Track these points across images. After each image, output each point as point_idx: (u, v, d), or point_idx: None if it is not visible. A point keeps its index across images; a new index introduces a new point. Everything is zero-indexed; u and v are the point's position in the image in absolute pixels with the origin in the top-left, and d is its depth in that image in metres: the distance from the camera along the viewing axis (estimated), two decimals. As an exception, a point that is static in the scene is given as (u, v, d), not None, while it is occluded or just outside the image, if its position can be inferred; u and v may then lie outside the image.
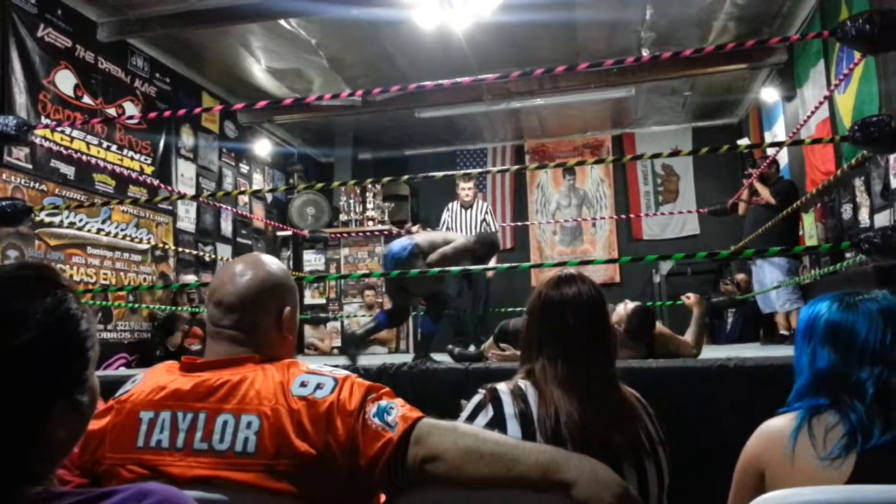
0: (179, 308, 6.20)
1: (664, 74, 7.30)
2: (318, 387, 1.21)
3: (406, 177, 3.69)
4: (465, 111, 8.47)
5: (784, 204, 5.37)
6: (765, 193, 5.71)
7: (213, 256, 7.22)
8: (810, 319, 1.32)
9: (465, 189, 5.91)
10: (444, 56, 6.70)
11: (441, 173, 3.68)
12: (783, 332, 5.72)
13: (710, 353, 3.60)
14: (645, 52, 6.68)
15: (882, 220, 4.97)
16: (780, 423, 1.27)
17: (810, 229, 6.83)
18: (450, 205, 6.02)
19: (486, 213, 6.03)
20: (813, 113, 4.52)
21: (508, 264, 3.70)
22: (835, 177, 4.71)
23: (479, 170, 10.09)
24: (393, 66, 7.06)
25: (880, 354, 1.22)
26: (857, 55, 3.48)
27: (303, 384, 1.21)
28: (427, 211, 10.05)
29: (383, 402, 1.21)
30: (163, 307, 6.09)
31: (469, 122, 9.13)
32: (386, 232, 8.48)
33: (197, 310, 6.16)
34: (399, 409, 1.20)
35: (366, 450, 1.16)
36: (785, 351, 3.10)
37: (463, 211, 5.90)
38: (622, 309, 3.20)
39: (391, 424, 1.17)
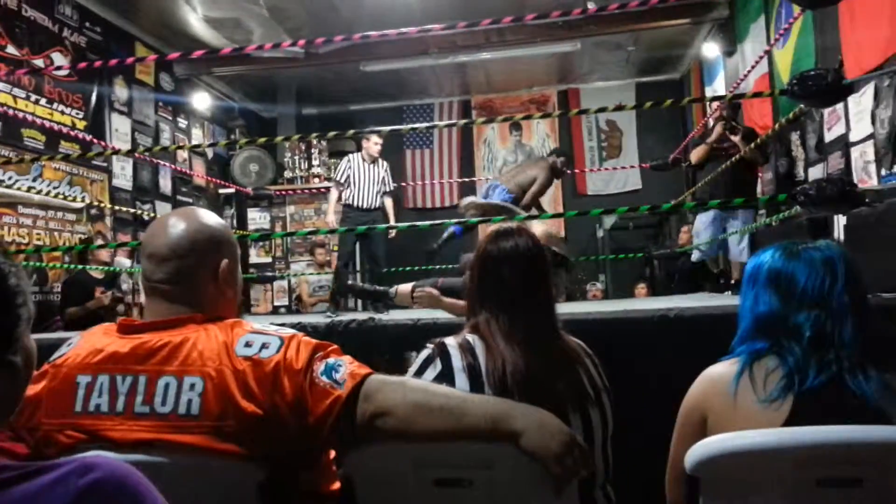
0: (89, 268, 5.47)
1: (609, 28, 7.31)
2: (264, 346, 1.19)
3: (352, 132, 3.62)
4: (412, 65, 8.33)
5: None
6: (741, 144, 5.10)
7: (153, 215, 7.01)
8: (755, 267, 1.37)
9: (377, 144, 5.75)
10: (389, 8, 6.55)
11: (388, 128, 3.63)
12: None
13: (654, 303, 3.69)
14: (591, 5, 6.66)
15: (816, 173, 5.14)
16: (722, 369, 1.32)
17: (748, 183, 7.01)
18: (351, 156, 5.81)
19: (387, 171, 5.90)
20: (753, 68, 4.61)
21: (456, 220, 3.70)
22: (773, 130, 4.83)
23: (427, 124, 10.00)
24: (337, 17, 6.86)
25: (818, 300, 1.27)
26: (797, 10, 3.54)
27: (247, 344, 1.19)
28: (373, 167, 9.95)
29: (331, 360, 1.20)
30: (98, 267, 5.91)
31: (415, 76, 9.00)
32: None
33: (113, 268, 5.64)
34: (347, 367, 1.20)
35: (314, 408, 1.15)
36: (723, 301, 3.21)
37: (367, 165, 5.72)
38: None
39: (339, 382, 1.17)
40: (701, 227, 5.31)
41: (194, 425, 1.14)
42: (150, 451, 1.13)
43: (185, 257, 1.28)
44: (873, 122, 4.16)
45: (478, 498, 1.18)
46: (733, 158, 4.47)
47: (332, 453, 1.35)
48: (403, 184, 9.45)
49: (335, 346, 1.25)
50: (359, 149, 5.97)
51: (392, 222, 5.84)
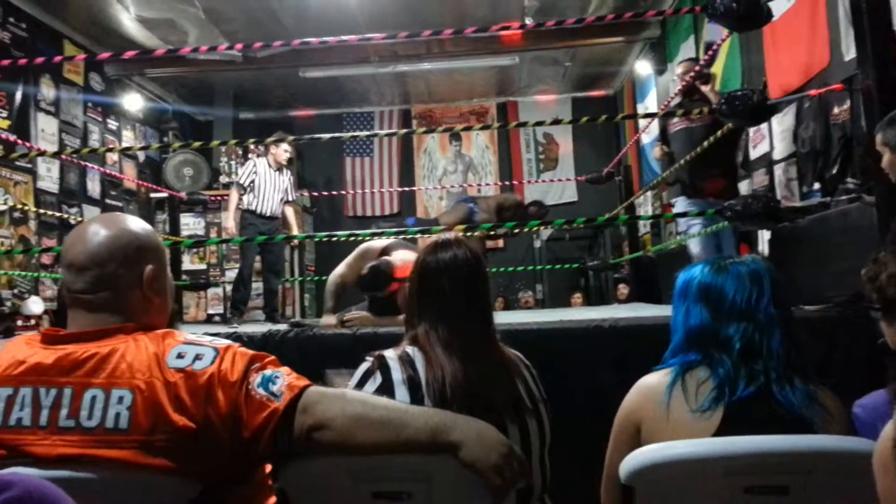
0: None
1: (547, 44, 7.47)
2: (197, 358, 1.16)
3: (291, 138, 3.58)
4: (352, 72, 8.29)
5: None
6: (710, 94, 4.40)
7: (80, 219, 6.75)
8: (685, 282, 1.42)
9: (286, 152, 5.53)
10: (331, 15, 6.51)
11: (328, 135, 3.60)
12: None
13: (589, 313, 3.76)
14: (529, 21, 6.79)
15: (743, 189, 5.35)
16: (655, 379, 1.36)
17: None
18: (257, 160, 5.52)
19: (291, 180, 5.75)
20: (682, 87, 4.76)
21: (395, 229, 3.69)
22: (702, 148, 5.00)
23: (367, 133, 9.96)
24: (277, 23, 6.78)
25: (746, 312, 1.33)
26: (724, 32, 3.69)
27: (180, 355, 1.16)
28: (313, 174, 9.83)
29: (268, 372, 1.18)
30: (22, 273, 5.64)
31: (356, 84, 8.96)
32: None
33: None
34: (285, 378, 1.18)
35: (250, 421, 1.13)
36: (656, 311, 3.29)
37: (272, 172, 5.45)
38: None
39: (276, 394, 1.15)
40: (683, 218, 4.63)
41: (122, 440, 1.10)
42: (75, 467, 1.08)
43: (105, 265, 1.23)
44: (795, 142, 4.36)
45: (416, 510, 1.18)
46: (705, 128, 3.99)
47: (268, 467, 1.32)
48: (343, 192, 9.39)
49: (272, 358, 1.23)
50: (266, 153, 5.69)
51: (294, 231, 5.69)
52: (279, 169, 5.46)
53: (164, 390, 1.12)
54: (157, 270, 1.30)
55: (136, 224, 1.31)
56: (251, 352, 1.21)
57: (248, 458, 1.16)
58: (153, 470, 1.10)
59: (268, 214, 5.37)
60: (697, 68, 4.31)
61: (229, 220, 5.35)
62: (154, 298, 1.29)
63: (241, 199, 5.33)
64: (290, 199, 5.65)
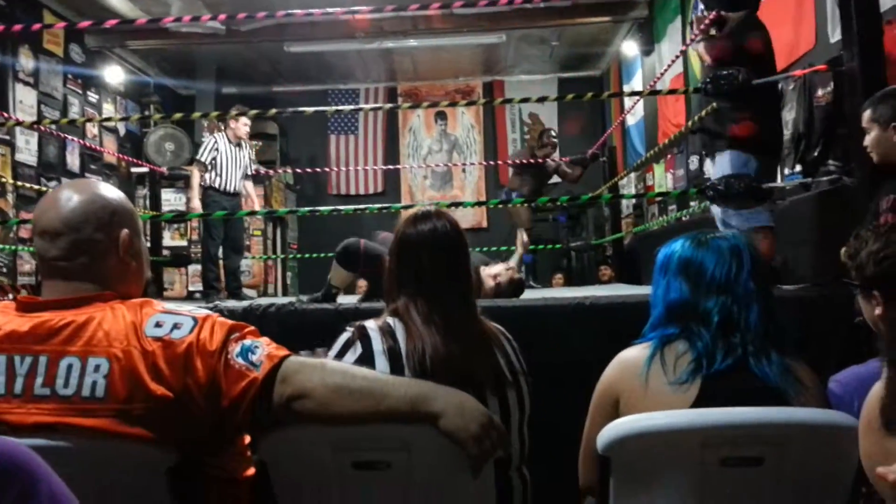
0: None
1: (534, 22, 7.43)
2: (176, 327, 1.15)
3: (273, 111, 3.54)
4: (338, 48, 8.21)
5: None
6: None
7: (91, 180, 6.65)
8: (666, 256, 1.42)
9: (245, 125, 5.33)
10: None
11: (311, 109, 3.56)
12: None
13: (570, 292, 3.79)
14: (517, -1, 6.74)
15: (709, 168, 5.37)
16: (634, 353, 1.37)
17: (660, 178, 7.29)
18: (217, 136, 5.33)
19: (251, 154, 5.62)
20: (669, 67, 4.77)
21: (379, 205, 3.68)
22: (685, 129, 5.02)
23: (353, 107, 9.87)
24: (260, -5, 6.67)
25: (725, 286, 1.34)
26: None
27: (158, 324, 1.15)
28: (297, 151, 9.75)
29: (247, 342, 1.17)
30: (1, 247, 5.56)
31: (341, 60, 8.87)
32: (252, 172, 8.14)
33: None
34: (265, 348, 1.17)
35: (229, 390, 1.13)
36: (636, 290, 3.32)
37: (232, 147, 5.28)
38: (504, 270, 3.27)
39: (256, 364, 1.15)
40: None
41: (99, 408, 1.09)
42: (52, 434, 1.07)
43: (80, 230, 1.21)
44: (778, 124, 4.37)
45: (396, 480, 1.19)
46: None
47: (247, 438, 1.32)
48: (327, 169, 9.33)
49: (252, 328, 1.22)
50: (225, 128, 5.51)
51: (256, 206, 5.62)
52: (238, 144, 5.34)
53: (142, 359, 1.11)
54: (132, 235, 1.29)
55: (107, 189, 1.30)
56: (231, 321, 1.21)
57: (227, 428, 1.16)
58: (129, 438, 1.09)
59: (231, 191, 5.26)
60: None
61: (194, 200, 5.18)
62: (130, 263, 1.28)
63: (202, 177, 5.21)
64: (250, 172, 5.54)
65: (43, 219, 1.23)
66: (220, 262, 5.32)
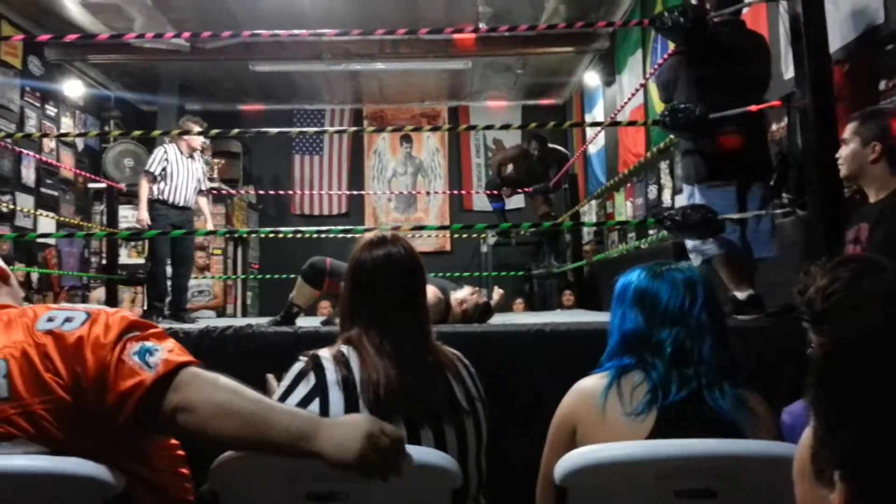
0: None
1: (499, 50, 7.56)
2: (67, 320, 1.15)
3: (237, 131, 3.52)
4: (304, 68, 8.20)
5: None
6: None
7: (12, 207, 6.48)
8: (623, 286, 1.44)
9: (200, 136, 5.01)
10: (281, 8, 6.43)
11: (276, 129, 3.54)
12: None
13: (531, 318, 3.81)
14: (482, 25, 6.84)
15: (681, 200, 5.49)
16: (592, 382, 1.38)
17: (620, 207, 7.41)
18: (167, 147, 4.97)
19: (204, 168, 5.33)
20: (630, 98, 4.87)
21: (342, 227, 3.66)
22: (644, 159, 5.13)
23: (317, 128, 9.86)
24: (226, 13, 6.65)
25: (679, 318, 1.36)
26: (672, 46, 3.77)
27: (49, 319, 1.16)
28: (260, 170, 9.67)
29: (148, 343, 1.15)
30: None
31: (307, 80, 8.87)
32: (214, 191, 8.03)
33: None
34: (164, 352, 1.14)
35: (115, 386, 1.10)
36: (598, 318, 3.35)
37: (184, 158, 4.98)
38: (469, 295, 3.27)
39: (150, 365, 1.12)
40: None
41: (6, 407, 1.09)
42: None
43: None
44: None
45: (352, 511, 1.17)
46: None
47: (180, 452, 1.31)
48: (290, 192, 9.26)
49: (158, 330, 1.20)
50: (177, 139, 5.10)
51: (209, 223, 5.35)
52: (191, 156, 5.03)
53: (36, 353, 1.12)
54: None
55: None
56: (133, 318, 1.19)
57: (115, 428, 1.11)
58: (35, 438, 1.08)
59: (181, 204, 4.93)
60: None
61: (143, 213, 4.83)
62: (8, 278, 1.33)
63: (151, 189, 4.88)
64: (203, 188, 5.23)
65: None
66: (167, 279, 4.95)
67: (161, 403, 1.10)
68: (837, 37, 3.19)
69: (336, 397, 1.34)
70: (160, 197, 4.89)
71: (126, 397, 1.10)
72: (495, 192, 7.21)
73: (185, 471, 1.30)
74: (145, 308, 5.10)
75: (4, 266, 1.35)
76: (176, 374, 1.12)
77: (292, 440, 1.09)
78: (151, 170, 4.89)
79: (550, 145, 6.88)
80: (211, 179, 8.21)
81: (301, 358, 1.42)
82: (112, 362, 1.11)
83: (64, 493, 1.09)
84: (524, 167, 6.91)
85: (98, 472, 1.09)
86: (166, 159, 4.91)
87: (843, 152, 2.20)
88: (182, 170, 4.96)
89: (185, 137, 4.92)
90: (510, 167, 6.88)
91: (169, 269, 4.97)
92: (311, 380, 1.36)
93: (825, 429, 0.55)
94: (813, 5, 2.47)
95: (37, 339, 1.13)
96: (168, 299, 4.91)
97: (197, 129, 4.84)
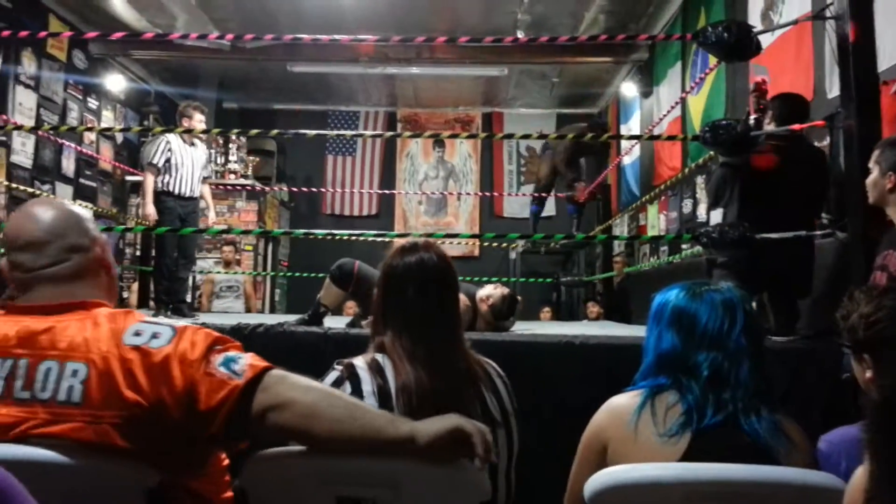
0: None
1: (537, 59, 7.54)
2: (154, 336, 1.16)
3: (275, 132, 3.55)
4: (340, 71, 8.27)
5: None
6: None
7: (52, 196, 6.62)
8: (660, 305, 1.42)
9: (201, 122, 4.76)
10: (322, 10, 6.49)
11: (312, 132, 3.57)
12: None
13: (560, 328, 3.78)
14: (520, 34, 6.83)
15: (716, 217, 5.41)
16: (625, 400, 1.36)
17: (653, 219, 7.34)
18: (170, 137, 4.71)
19: (206, 155, 5.06)
20: (669, 111, 4.83)
21: (374, 232, 3.68)
22: (681, 173, 5.08)
23: (353, 132, 9.93)
24: (267, 14, 6.73)
25: (717, 341, 1.33)
26: (713, 61, 3.73)
27: (137, 333, 1.16)
28: (294, 169, 9.77)
29: (231, 353, 1.17)
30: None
31: (343, 82, 8.94)
32: (248, 187, 8.12)
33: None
34: (248, 359, 1.17)
35: (207, 398, 1.12)
36: (628, 331, 3.32)
37: (187, 147, 4.73)
38: (493, 290, 3.26)
39: (238, 373, 1.14)
40: None
41: (75, 413, 1.10)
42: (27, 441, 1.08)
43: (65, 236, 1.27)
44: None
45: (380, 517, 1.17)
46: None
47: (226, 461, 1.31)
48: (323, 189, 9.33)
49: (237, 343, 1.22)
50: (178, 126, 4.80)
51: (212, 211, 5.15)
52: (193, 143, 4.79)
53: (119, 366, 1.12)
54: (105, 244, 1.34)
55: (71, 205, 1.40)
56: (215, 333, 1.21)
57: (201, 441, 1.15)
58: (101, 446, 1.09)
59: (186, 195, 4.72)
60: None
61: (149, 207, 4.62)
62: (111, 265, 1.34)
63: (156, 181, 4.65)
64: (207, 174, 5.00)
65: (24, 233, 1.27)
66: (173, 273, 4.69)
67: (251, 406, 1.13)
68: (886, 55, 3.13)
69: (372, 407, 1.34)
70: (164, 188, 4.67)
71: (219, 406, 1.12)
72: (543, 194, 7.11)
73: (226, 477, 1.32)
74: (154, 304, 4.91)
75: (108, 259, 1.34)
76: (263, 377, 1.15)
77: (381, 428, 1.12)
78: (155, 161, 4.65)
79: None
80: (244, 177, 8.34)
81: (336, 367, 1.43)
82: (200, 377, 1.13)
83: (97, 486, 1.10)
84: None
85: (131, 468, 1.11)
86: (169, 149, 4.67)
87: (868, 179, 2.18)
88: (186, 159, 4.71)
89: (186, 125, 4.67)
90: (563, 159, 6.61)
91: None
92: (347, 389, 1.37)
93: (885, 474, 0.53)
94: (862, 24, 2.42)
95: (123, 353, 1.13)
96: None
97: (198, 115, 4.68)
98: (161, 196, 4.65)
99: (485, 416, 1.39)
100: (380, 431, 1.12)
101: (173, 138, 4.68)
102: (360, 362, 1.42)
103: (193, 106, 4.79)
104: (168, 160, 4.64)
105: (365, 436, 1.12)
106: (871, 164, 2.17)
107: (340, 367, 1.42)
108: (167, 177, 4.66)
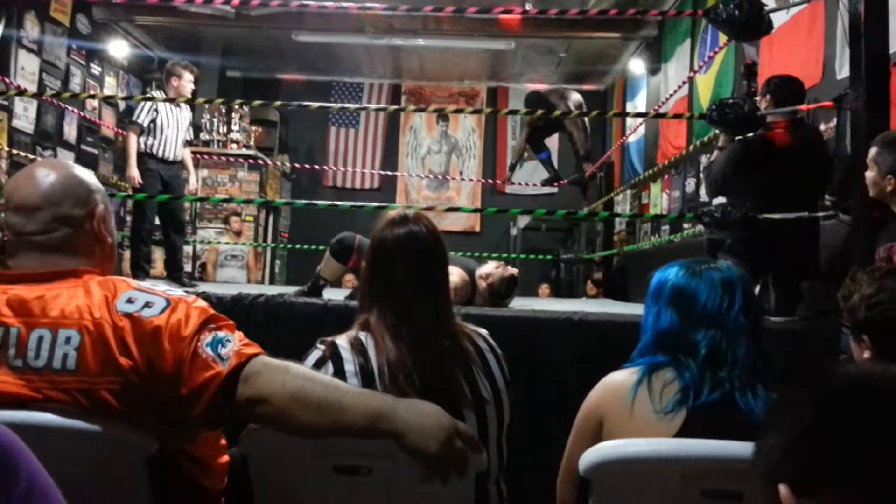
0: None
1: (545, 33, 7.46)
2: (147, 305, 1.15)
3: (279, 103, 3.52)
4: (346, 41, 8.20)
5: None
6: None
7: (62, 160, 6.59)
8: (659, 283, 1.41)
9: (190, 83, 4.56)
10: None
11: (317, 104, 3.55)
12: None
13: (559, 305, 3.78)
14: (528, 7, 6.75)
15: (719, 197, 5.40)
16: (622, 377, 1.36)
17: (655, 198, 7.32)
18: (155, 94, 4.59)
19: (191, 118, 4.81)
20: (677, 90, 4.79)
21: (376, 204, 3.67)
22: (685, 151, 5.05)
23: (356, 105, 9.86)
24: (272, -19, 6.66)
25: (715, 319, 1.33)
26: (723, 40, 3.69)
27: (129, 300, 1.15)
28: (296, 140, 9.73)
29: (221, 334, 1.15)
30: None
31: (348, 53, 8.86)
32: (251, 160, 8.08)
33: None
34: (236, 344, 1.15)
35: (190, 379, 1.11)
36: (627, 309, 3.32)
37: (174, 109, 4.53)
38: (493, 269, 3.23)
39: (223, 357, 1.12)
40: None
41: (71, 380, 1.09)
42: (25, 408, 1.07)
43: (60, 204, 1.23)
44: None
45: (376, 486, 1.18)
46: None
47: (223, 440, 1.32)
48: (325, 168, 9.29)
49: (230, 322, 1.20)
50: (165, 86, 4.67)
51: (192, 176, 4.97)
52: (178, 105, 4.56)
53: (112, 334, 1.11)
54: (106, 211, 1.30)
55: (80, 168, 1.34)
56: (210, 310, 1.19)
57: (186, 418, 1.13)
58: (99, 413, 1.09)
59: (170, 158, 4.51)
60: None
61: (133, 169, 4.39)
62: (106, 239, 1.30)
63: (138, 142, 4.44)
64: (190, 138, 4.81)
65: (19, 194, 1.24)
66: (150, 239, 4.58)
67: (234, 395, 1.11)
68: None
69: (355, 385, 1.31)
70: (147, 150, 4.46)
71: (201, 391, 1.11)
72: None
73: (222, 440, 1.33)
74: (132, 271, 4.66)
75: (103, 231, 1.30)
76: (246, 365, 1.13)
77: (369, 422, 1.10)
78: (140, 121, 4.43)
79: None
80: (247, 146, 8.30)
81: (318, 346, 1.40)
82: (188, 355, 1.11)
83: (96, 451, 1.11)
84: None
85: (130, 434, 1.11)
86: (155, 109, 4.46)
87: (868, 176, 2.15)
88: (172, 120, 4.50)
89: (174, 84, 4.52)
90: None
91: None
92: (330, 369, 1.35)
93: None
94: (876, 2, 2.38)
95: (115, 320, 1.12)
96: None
97: (187, 74, 4.52)
98: (144, 157, 4.44)
99: (473, 395, 1.37)
100: (361, 430, 1.11)
101: (160, 97, 4.50)
102: (342, 341, 1.39)
103: (183, 65, 4.62)
104: (154, 120, 4.45)
105: (346, 432, 1.11)
106: (868, 161, 2.15)
107: (323, 347, 1.39)
108: (151, 138, 4.46)
